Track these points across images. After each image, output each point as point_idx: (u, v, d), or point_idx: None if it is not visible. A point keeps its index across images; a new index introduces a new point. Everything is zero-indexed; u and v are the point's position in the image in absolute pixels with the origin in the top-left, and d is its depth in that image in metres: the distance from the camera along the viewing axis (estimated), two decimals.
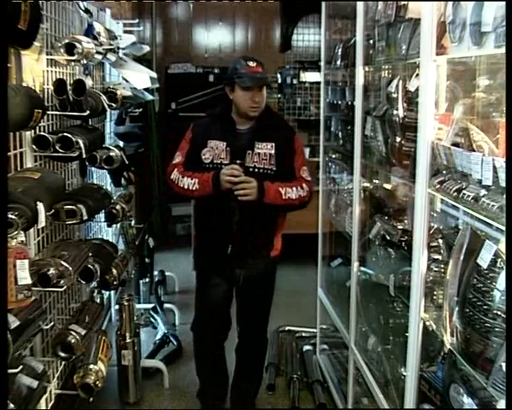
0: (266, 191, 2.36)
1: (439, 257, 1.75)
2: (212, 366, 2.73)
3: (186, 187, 2.41)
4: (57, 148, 2.01)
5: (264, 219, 2.46)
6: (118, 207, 2.58)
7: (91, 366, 2.22)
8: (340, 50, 3.04)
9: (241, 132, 2.46)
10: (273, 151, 2.42)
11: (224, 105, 2.52)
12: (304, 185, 2.44)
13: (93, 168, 2.85)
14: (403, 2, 2.00)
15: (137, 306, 3.61)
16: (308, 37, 6.12)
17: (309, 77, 6.06)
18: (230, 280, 2.55)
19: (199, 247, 2.73)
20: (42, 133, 2.00)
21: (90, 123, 2.56)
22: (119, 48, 2.95)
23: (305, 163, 2.54)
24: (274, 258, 2.59)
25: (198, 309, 2.70)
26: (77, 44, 2.13)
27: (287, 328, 3.75)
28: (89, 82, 2.28)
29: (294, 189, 2.42)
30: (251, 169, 2.39)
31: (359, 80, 2.40)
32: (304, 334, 3.73)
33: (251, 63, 2.40)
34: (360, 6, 2.36)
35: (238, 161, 2.35)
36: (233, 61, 2.51)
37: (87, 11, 2.66)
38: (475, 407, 1.43)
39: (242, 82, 2.38)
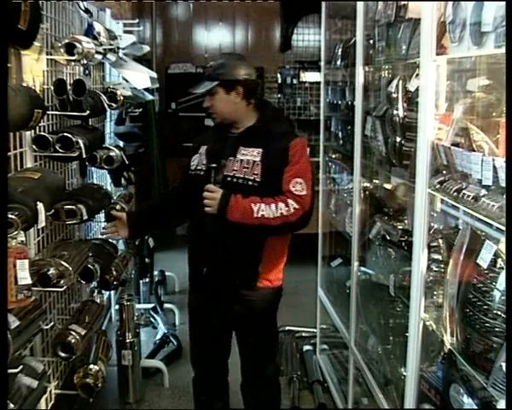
0: (230, 206, 1.93)
1: (439, 257, 1.75)
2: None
3: None
4: (57, 148, 2.01)
5: (242, 239, 2.03)
6: (118, 207, 2.58)
7: (91, 366, 2.23)
8: (340, 50, 3.04)
9: (228, 136, 2.13)
10: (258, 158, 2.01)
11: None
12: (289, 202, 1.94)
13: (93, 168, 2.85)
14: (403, 2, 2.00)
15: (137, 306, 3.61)
16: (308, 37, 6.11)
17: (309, 77, 6.06)
18: (217, 312, 2.18)
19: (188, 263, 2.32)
20: (42, 133, 2.00)
21: (90, 123, 2.56)
22: (119, 48, 2.94)
23: (303, 175, 2.01)
24: (264, 289, 2.11)
25: (194, 358, 2.37)
26: (77, 44, 2.12)
27: (287, 328, 3.75)
28: (88, 82, 2.28)
29: (273, 205, 1.93)
30: (229, 178, 2.03)
31: (359, 80, 2.40)
32: (304, 334, 3.73)
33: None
34: (360, 6, 2.36)
35: (214, 165, 2.03)
36: None
37: (87, 11, 2.65)
38: (475, 407, 1.43)
39: None
